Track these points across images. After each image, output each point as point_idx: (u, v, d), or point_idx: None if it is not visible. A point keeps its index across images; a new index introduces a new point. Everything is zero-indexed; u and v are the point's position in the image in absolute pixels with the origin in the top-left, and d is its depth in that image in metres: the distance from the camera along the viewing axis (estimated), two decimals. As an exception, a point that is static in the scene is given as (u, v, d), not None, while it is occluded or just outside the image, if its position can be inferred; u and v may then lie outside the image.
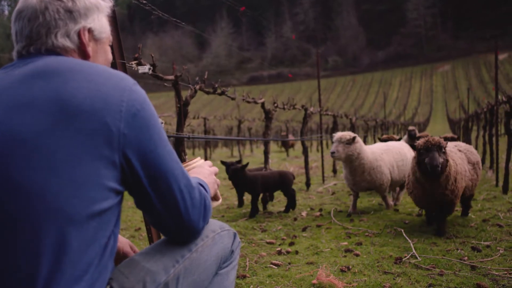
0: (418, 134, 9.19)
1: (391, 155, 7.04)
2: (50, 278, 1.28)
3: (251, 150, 29.79)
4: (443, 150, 4.93)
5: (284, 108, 8.75)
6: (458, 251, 4.52)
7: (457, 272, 3.88)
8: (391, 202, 7.09)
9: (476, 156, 5.93)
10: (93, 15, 1.62)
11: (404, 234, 5.17)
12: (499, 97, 9.27)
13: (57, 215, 1.29)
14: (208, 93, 5.68)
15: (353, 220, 6.26)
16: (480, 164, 5.93)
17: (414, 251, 4.50)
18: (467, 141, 17.14)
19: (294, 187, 9.96)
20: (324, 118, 11.65)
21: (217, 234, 1.85)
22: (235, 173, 6.57)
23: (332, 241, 5.20)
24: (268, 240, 5.30)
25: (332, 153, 6.47)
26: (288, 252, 4.77)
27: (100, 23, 1.66)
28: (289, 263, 4.38)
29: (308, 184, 9.66)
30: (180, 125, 4.74)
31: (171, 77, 4.63)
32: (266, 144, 7.81)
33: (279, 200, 8.31)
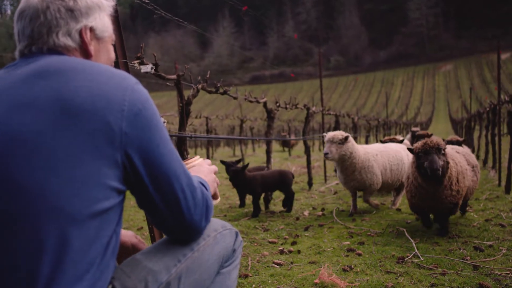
0: (418, 132, 9.13)
1: (386, 157, 6.94)
2: (51, 278, 1.28)
3: (253, 149, 29.78)
4: (443, 152, 4.80)
5: (286, 108, 8.75)
6: (461, 250, 4.52)
7: (459, 272, 3.87)
8: (376, 202, 7.04)
9: (474, 160, 5.84)
10: (95, 14, 1.62)
11: (406, 234, 5.16)
12: (502, 96, 9.26)
13: (58, 215, 1.29)
14: (210, 92, 5.68)
15: (355, 220, 6.26)
16: (479, 168, 5.83)
17: (416, 250, 4.49)
18: (470, 141, 17.12)
19: (296, 186, 9.99)
20: (326, 117, 11.65)
21: (219, 233, 1.85)
22: (236, 174, 6.56)
23: (334, 240, 5.20)
24: (270, 240, 5.30)
25: (326, 154, 6.37)
26: (290, 252, 4.77)
27: (102, 22, 1.65)
28: (291, 263, 4.38)
29: (310, 183, 9.66)
30: (182, 125, 4.74)
31: (173, 76, 4.63)
32: (268, 143, 7.81)
33: (281, 199, 8.31)
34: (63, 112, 1.32)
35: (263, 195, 7.30)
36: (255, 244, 5.18)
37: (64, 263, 1.29)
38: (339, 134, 6.43)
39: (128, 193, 1.54)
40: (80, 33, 1.58)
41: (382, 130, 29.07)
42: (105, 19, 1.67)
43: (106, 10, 1.68)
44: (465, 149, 5.93)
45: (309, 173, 9.72)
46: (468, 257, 4.27)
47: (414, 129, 12.73)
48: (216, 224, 1.88)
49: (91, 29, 1.61)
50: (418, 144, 4.98)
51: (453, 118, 55.39)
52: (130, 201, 8.17)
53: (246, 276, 3.98)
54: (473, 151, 15.70)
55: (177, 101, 6.54)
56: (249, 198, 7.97)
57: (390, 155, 6.96)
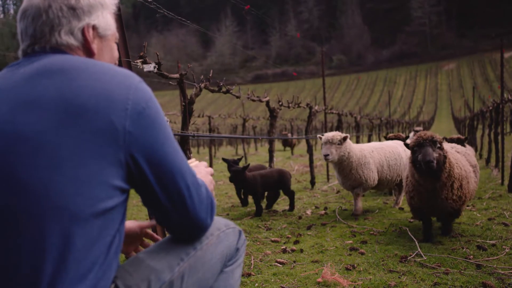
0: (415, 128, 9.06)
1: (382, 153, 6.86)
2: (55, 277, 1.28)
3: (256, 148, 29.78)
4: (439, 145, 4.63)
5: (288, 107, 8.75)
6: (464, 249, 4.51)
7: (462, 271, 3.87)
8: (361, 205, 6.62)
9: (474, 160, 5.68)
10: (97, 12, 1.61)
11: (409, 233, 5.15)
12: (505, 95, 9.24)
13: (61, 214, 1.29)
14: (213, 91, 5.68)
15: (358, 219, 6.26)
16: (478, 168, 5.68)
17: (419, 249, 4.49)
18: (473, 140, 17.09)
19: (299, 185, 10.00)
20: (328, 116, 11.67)
21: (222, 232, 1.84)
22: (236, 175, 6.53)
23: (337, 239, 5.19)
24: (273, 239, 5.30)
25: (326, 155, 6.21)
26: (293, 251, 4.77)
27: (105, 20, 1.64)
28: (294, 262, 4.38)
29: (312, 182, 9.66)
30: (185, 124, 4.74)
31: (176, 75, 4.64)
32: (271, 142, 7.81)
33: (284, 198, 8.30)
34: (66, 111, 1.32)
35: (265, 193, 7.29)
36: (258, 243, 5.18)
37: (67, 262, 1.29)
38: (337, 134, 6.32)
39: (131, 191, 1.54)
40: (83, 32, 1.57)
41: (384, 129, 29.05)
42: (108, 17, 1.66)
43: (108, 8, 1.67)
44: (464, 148, 5.79)
45: (311, 172, 9.72)
46: (471, 256, 4.26)
47: (416, 128, 12.69)
48: (219, 223, 1.87)
49: (94, 27, 1.60)
50: (413, 138, 4.86)
51: (456, 117, 55.36)
52: (133, 200, 8.18)
53: (249, 275, 3.98)
54: (476, 150, 15.68)
55: (179, 100, 6.55)
56: (251, 197, 7.98)
57: (386, 151, 6.90)
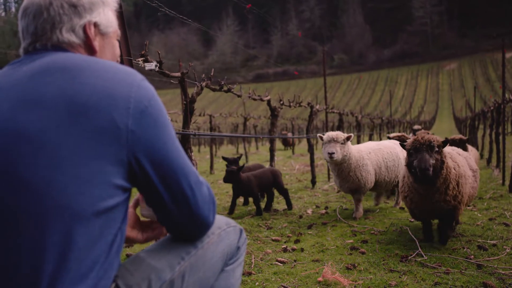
0: (416, 128, 9.00)
1: (380, 154, 6.66)
2: (55, 276, 1.28)
3: (257, 147, 29.79)
4: (436, 150, 4.35)
5: (290, 106, 8.75)
6: (464, 249, 4.51)
7: (463, 271, 3.87)
8: (361, 210, 6.44)
9: (474, 164, 5.37)
10: (99, 9, 1.60)
11: (409, 232, 5.15)
12: (506, 95, 9.23)
13: (62, 213, 1.29)
14: (214, 90, 5.68)
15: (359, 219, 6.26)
16: (478, 173, 5.36)
17: (420, 249, 4.48)
18: (474, 139, 17.07)
19: (299, 185, 10.00)
20: (329, 116, 11.65)
21: (223, 230, 1.83)
22: (231, 175, 6.47)
23: (338, 238, 5.19)
24: (273, 238, 5.30)
25: (332, 154, 5.91)
26: (293, 250, 4.77)
27: (106, 17, 1.64)
28: (295, 261, 4.38)
29: (313, 181, 9.65)
30: (186, 122, 4.75)
31: (178, 74, 4.64)
32: (272, 141, 7.81)
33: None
34: (68, 109, 1.31)
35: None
36: (259, 242, 5.18)
37: (68, 261, 1.29)
38: (341, 133, 6.10)
39: (132, 189, 1.54)
40: (84, 29, 1.57)
41: (385, 128, 29.04)
42: (109, 14, 1.66)
43: (110, 5, 1.67)
44: (465, 152, 5.50)
45: (312, 171, 9.72)
46: (472, 256, 4.26)
47: (415, 127, 12.66)
48: (220, 221, 1.86)
49: (95, 25, 1.60)
50: (409, 140, 4.58)
51: (457, 117, 55.29)
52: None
53: (250, 274, 3.99)
54: (477, 150, 15.66)
55: (181, 99, 6.54)
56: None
57: (384, 152, 6.72)
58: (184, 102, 4.83)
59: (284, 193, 7.03)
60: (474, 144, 16.69)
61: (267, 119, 27.27)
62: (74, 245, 1.30)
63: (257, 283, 3.77)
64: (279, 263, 4.30)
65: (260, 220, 6.31)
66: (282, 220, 6.30)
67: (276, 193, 7.88)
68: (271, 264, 4.31)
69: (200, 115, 19.33)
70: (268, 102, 7.67)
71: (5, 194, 1.29)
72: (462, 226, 5.46)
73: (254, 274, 4.00)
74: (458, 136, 7.15)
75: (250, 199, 7.82)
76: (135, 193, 1.54)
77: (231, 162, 6.87)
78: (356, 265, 4.14)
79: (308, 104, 9.92)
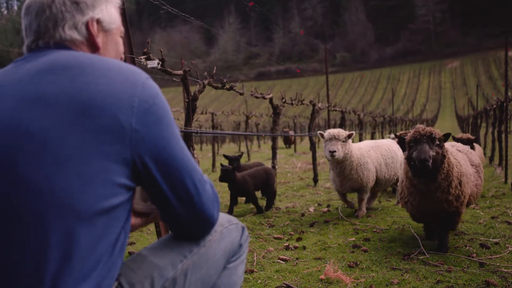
0: (417, 127, 9.01)
1: (379, 152, 6.58)
2: (58, 275, 1.28)
3: (259, 145, 29.79)
4: (437, 143, 4.22)
5: (292, 104, 8.74)
6: (467, 248, 4.50)
7: (465, 269, 3.87)
8: (364, 209, 6.38)
9: (477, 158, 5.24)
10: (101, 6, 1.60)
11: (412, 230, 5.15)
12: (509, 93, 9.22)
13: (65, 211, 1.28)
14: (216, 88, 5.68)
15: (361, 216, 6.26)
16: (482, 167, 5.19)
17: (422, 247, 4.48)
18: (476, 138, 17.03)
19: (301, 183, 10.00)
20: (332, 114, 11.63)
21: (225, 228, 1.83)
22: (226, 174, 6.42)
23: (340, 236, 5.19)
24: (275, 235, 5.31)
25: (333, 152, 5.77)
26: (295, 248, 4.77)
27: (109, 14, 1.63)
28: (297, 259, 4.38)
29: (315, 179, 9.65)
30: (188, 120, 4.75)
31: (180, 72, 4.64)
32: (274, 139, 7.81)
33: (287, 195, 8.32)
34: (71, 108, 1.31)
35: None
36: (261, 240, 5.19)
37: (71, 260, 1.29)
38: (342, 131, 5.96)
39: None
40: (87, 26, 1.56)
41: (388, 127, 28.99)
42: (112, 10, 1.65)
43: (113, 2, 1.66)
44: (466, 147, 5.39)
45: (314, 169, 9.71)
46: (474, 254, 4.25)
47: (418, 126, 12.66)
48: (222, 219, 1.86)
49: (98, 21, 1.59)
50: (410, 133, 4.45)
51: (459, 115, 55.18)
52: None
53: (252, 271, 3.99)
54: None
55: (183, 97, 6.54)
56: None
57: (382, 149, 6.64)
58: (186, 100, 4.83)
59: (271, 194, 6.89)
60: (477, 142, 16.66)
61: (269, 117, 27.25)
62: (77, 244, 1.29)
63: (259, 281, 3.77)
64: (281, 261, 4.31)
65: (262, 218, 6.32)
66: (284, 218, 6.30)
67: (278, 191, 7.89)
68: (273, 262, 4.31)
69: (202, 113, 19.33)
70: (270, 100, 7.66)
71: (8, 193, 1.29)
72: (465, 224, 5.45)
73: (256, 272, 4.00)
74: (465, 135, 7.01)
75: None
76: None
77: (232, 160, 6.87)
78: (358, 263, 4.14)
79: (310, 102, 9.91)
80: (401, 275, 3.79)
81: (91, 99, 1.32)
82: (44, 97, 1.32)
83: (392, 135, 8.91)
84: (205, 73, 5.21)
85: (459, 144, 5.46)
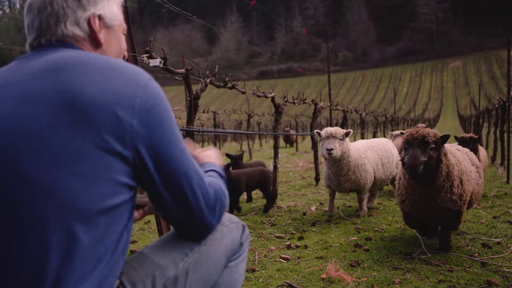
0: (418, 125, 8.97)
1: (375, 152, 6.50)
2: (60, 274, 1.27)
3: (260, 144, 29.79)
4: (432, 146, 4.02)
5: (294, 103, 8.73)
6: (469, 247, 4.50)
7: (467, 269, 3.86)
8: (365, 208, 6.42)
9: (477, 160, 5.07)
10: (103, 2, 1.60)
11: (413, 230, 5.14)
12: (511, 93, 9.19)
13: (66, 211, 1.28)
14: (218, 86, 5.68)
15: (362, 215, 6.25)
16: (481, 170, 5.01)
17: (423, 247, 4.48)
18: (478, 137, 17.02)
19: (303, 182, 10.00)
20: (334, 113, 11.59)
21: (226, 226, 1.83)
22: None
23: (342, 236, 5.19)
24: (277, 234, 5.31)
25: (330, 150, 5.66)
26: (297, 247, 4.77)
27: (111, 10, 1.63)
28: (299, 258, 4.38)
29: (317, 179, 9.65)
30: (190, 119, 4.74)
31: (182, 70, 4.64)
32: (276, 138, 7.79)
33: (288, 194, 8.32)
34: (72, 106, 1.30)
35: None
36: (262, 239, 5.19)
37: (73, 259, 1.29)
38: (339, 129, 5.87)
39: None
40: (89, 22, 1.56)
41: (389, 126, 28.97)
42: (114, 7, 1.65)
43: None
44: (465, 149, 5.19)
45: (316, 168, 9.71)
46: (476, 254, 4.25)
47: (419, 125, 12.62)
48: (223, 217, 1.86)
49: (100, 17, 1.59)
50: (405, 134, 4.28)
51: (462, 115, 55.15)
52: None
53: (253, 270, 3.99)
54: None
55: (184, 96, 6.54)
56: (255, 193, 7.98)
57: (378, 149, 6.57)
58: (188, 99, 4.83)
59: (267, 195, 6.82)
60: (479, 142, 16.64)
61: (271, 116, 27.28)
62: (79, 243, 1.29)
63: (260, 280, 3.77)
64: (283, 260, 4.31)
65: (264, 217, 6.32)
66: (286, 217, 6.31)
67: (280, 190, 7.88)
68: (274, 261, 4.31)
69: (204, 112, 19.35)
70: (272, 99, 7.65)
71: (9, 191, 1.28)
72: (466, 224, 5.45)
73: (257, 270, 4.00)
74: (468, 134, 6.85)
75: (255, 196, 7.83)
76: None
77: (235, 159, 6.87)
78: (360, 262, 4.14)
79: (312, 101, 9.90)
80: (403, 274, 3.79)
81: (91, 99, 1.32)
82: (45, 96, 1.32)
83: (397, 132, 8.87)
84: (207, 71, 5.21)
85: (459, 146, 5.28)
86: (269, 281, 3.75)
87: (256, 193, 8.17)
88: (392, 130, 26.00)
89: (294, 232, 5.44)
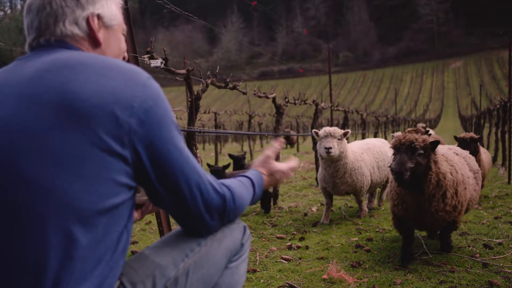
0: (419, 125, 8.90)
1: (371, 154, 6.39)
2: (59, 274, 1.27)
3: (261, 145, 29.81)
4: (421, 152, 3.79)
5: (295, 104, 8.73)
6: (470, 248, 4.49)
7: (468, 269, 3.86)
8: (366, 208, 6.40)
9: (475, 163, 4.83)
10: (101, 1, 1.60)
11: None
12: (512, 93, 9.19)
13: (65, 211, 1.28)
14: (219, 87, 5.68)
15: (364, 216, 6.25)
16: (480, 174, 4.76)
17: (425, 247, 4.47)
18: (479, 137, 16.98)
19: (304, 182, 9.99)
20: (335, 113, 11.59)
21: (227, 227, 1.82)
22: (215, 175, 6.31)
23: (343, 236, 5.19)
24: (278, 235, 5.31)
25: (329, 148, 5.55)
26: (298, 247, 4.77)
27: (110, 10, 1.63)
28: (300, 258, 4.38)
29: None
30: (191, 119, 4.75)
31: (183, 71, 4.64)
32: (277, 139, 7.80)
33: (289, 195, 8.31)
34: (71, 107, 1.30)
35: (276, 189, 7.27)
36: (263, 239, 5.19)
37: (72, 259, 1.28)
38: (338, 129, 5.78)
39: None
40: (87, 21, 1.56)
41: (390, 126, 28.96)
42: (113, 7, 1.65)
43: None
44: (464, 152, 4.94)
45: (317, 169, 9.69)
46: (478, 255, 4.24)
47: (420, 125, 12.60)
48: None
49: (99, 17, 1.59)
50: (393, 139, 4.06)
51: (463, 115, 55.14)
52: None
53: (254, 271, 3.99)
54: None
55: (186, 96, 6.53)
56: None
57: (374, 152, 6.46)
58: (189, 99, 4.83)
59: (265, 197, 6.73)
60: (480, 142, 16.60)
61: (272, 116, 27.27)
62: (78, 243, 1.29)
63: (261, 281, 3.77)
64: (284, 261, 4.31)
65: (265, 218, 6.32)
66: (287, 218, 6.30)
67: (281, 191, 7.88)
68: (276, 261, 4.31)
69: (205, 112, 19.36)
70: (273, 99, 7.65)
71: (9, 191, 1.28)
72: (468, 225, 5.44)
73: (259, 271, 4.00)
74: (468, 134, 6.52)
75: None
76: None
77: (239, 159, 6.88)
78: (361, 263, 4.14)
79: (313, 101, 9.90)
80: (404, 275, 3.79)
81: (89, 98, 1.32)
82: (43, 97, 1.32)
83: (398, 133, 8.82)
84: (208, 72, 5.21)
85: (458, 148, 5.00)
86: (270, 281, 3.74)
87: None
88: (393, 131, 26.00)
89: (295, 232, 5.44)
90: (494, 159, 12.56)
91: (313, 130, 6.07)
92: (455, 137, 6.68)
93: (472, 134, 6.43)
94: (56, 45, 1.52)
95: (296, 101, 8.80)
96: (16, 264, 1.28)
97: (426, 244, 4.57)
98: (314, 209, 6.91)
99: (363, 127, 15.78)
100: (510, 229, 5.14)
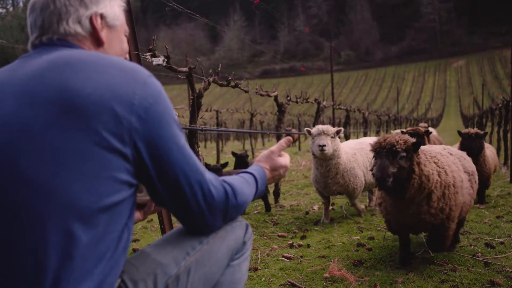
0: (420, 125, 8.81)
1: (364, 154, 6.28)
2: (59, 273, 1.27)
3: (263, 143, 29.78)
4: (403, 155, 3.56)
5: (297, 102, 8.73)
6: (472, 247, 4.49)
7: (470, 268, 3.86)
8: (362, 207, 6.35)
9: (471, 165, 4.52)
10: (105, 2, 1.61)
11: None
12: (515, 92, 9.18)
13: (65, 210, 1.28)
14: (221, 85, 5.68)
15: (365, 215, 6.24)
16: (476, 177, 4.45)
17: (426, 246, 4.47)
18: (484, 134, 16.97)
19: (306, 181, 9.98)
20: (336, 112, 11.57)
21: (229, 225, 1.83)
22: (214, 173, 6.25)
23: (344, 235, 5.19)
24: (280, 233, 5.31)
25: (323, 146, 5.45)
26: (300, 246, 4.77)
27: (113, 11, 1.64)
28: (301, 257, 4.38)
29: (320, 178, 9.62)
30: (193, 117, 4.75)
31: (185, 69, 4.64)
32: (279, 137, 7.79)
33: (291, 193, 8.31)
34: (71, 105, 1.30)
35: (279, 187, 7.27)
36: (265, 237, 5.19)
37: (72, 258, 1.28)
38: (331, 127, 5.70)
39: None
40: (91, 20, 1.57)
41: (392, 125, 28.94)
42: (116, 8, 1.66)
43: (116, 0, 1.68)
44: (460, 152, 4.62)
45: (319, 167, 9.69)
46: (479, 254, 4.24)
47: (421, 125, 12.57)
48: None
49: (102, 16, 1.60)
50: (374, 142, 3.78)
51: (465, 114, 55.06)
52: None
53: (256, 269, 3.99)
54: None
55: (187, 94, 6.54)
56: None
57: (367, 151, 6.27)
58: (191, 97, 4.83)
59: (264, 196, 6.70)
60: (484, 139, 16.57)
61: (273, 115, 27.27)
62: (78, 242, 1.29)
63: (263, 279, 3.77)
64: (286, 259, 4.31)
65: (267, 216, 6.32)
66: (289, 216, 6.31)
67: (282, 189, 7.88)
68: (277, 260, 4.31)
69: (207, 110, 19.35)
70: (275, 98, 7.65)
71: (9, 190, 1.28)
72: (469, 224, 5.44)
73: (260, 269, 4.00)
74: (473, 130, 6.24)
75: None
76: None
77: (242, 157, 6.88)
78: (362, 261, 4.14)
79: (315, 100, 9.90)
80: (406, 274, 3.79)
81: (90, 96, 1.32)
82: (44, 95, 1.32)
83: (397, 131, 8.82)
84: (210, 70, 5.21)
85: (452, 148, 4.65)
86: (272, 280, 3.75)
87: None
88: (395, 130, 25.95)
89: (296, 231, 5.44)
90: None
91: (306, 128, 5.98)
92: (459, 132, 6.52)
93: (476, 129, 6.22)
94: (59, 43, 1.53)
95: (298, 100, 8.80)
96: (16, 264, 1.28)
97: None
98: (315, 207, 6.91)
99: (365, 125, 15.76)
100: (512, 228, 5.13)
